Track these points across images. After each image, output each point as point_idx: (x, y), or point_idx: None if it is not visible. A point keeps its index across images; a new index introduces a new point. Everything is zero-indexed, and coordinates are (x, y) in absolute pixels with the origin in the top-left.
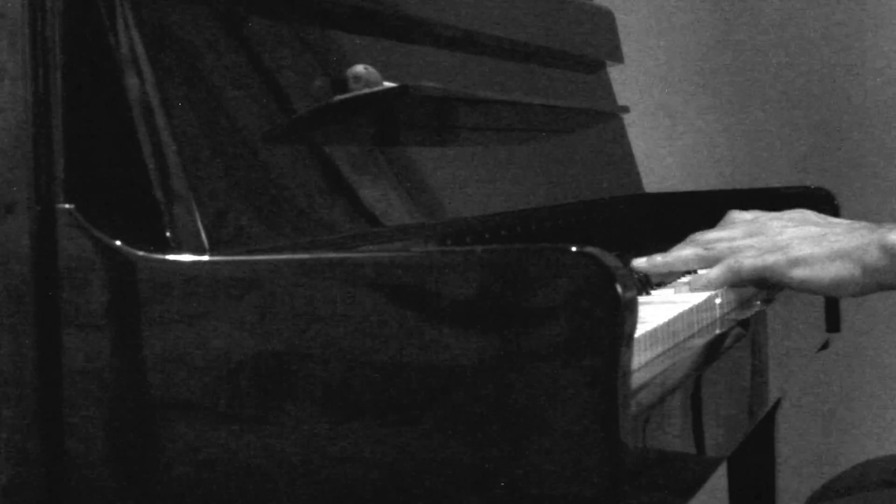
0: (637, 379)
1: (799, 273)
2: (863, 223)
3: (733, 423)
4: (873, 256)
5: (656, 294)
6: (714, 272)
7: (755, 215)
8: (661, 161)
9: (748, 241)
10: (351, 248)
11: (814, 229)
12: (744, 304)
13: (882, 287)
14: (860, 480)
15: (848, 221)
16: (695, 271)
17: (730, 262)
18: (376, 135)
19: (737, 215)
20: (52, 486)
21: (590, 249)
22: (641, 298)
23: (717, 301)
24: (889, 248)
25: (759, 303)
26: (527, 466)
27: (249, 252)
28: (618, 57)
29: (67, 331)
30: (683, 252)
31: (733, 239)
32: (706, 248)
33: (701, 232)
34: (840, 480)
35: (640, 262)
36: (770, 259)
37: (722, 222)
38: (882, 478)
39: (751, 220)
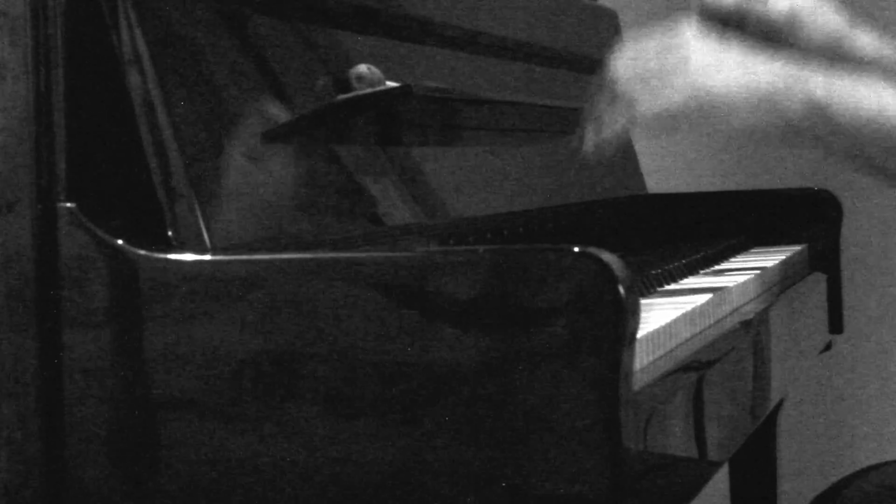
0: (638, 380)
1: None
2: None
3: (735, 425)
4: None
5: (657, 295)
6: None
7: None
8: (664, 162)
9: None
10: (353, 247)
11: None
12: (746, 304)
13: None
14: (863, 488)
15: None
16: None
17: None
18: (379, 134)
19: None
20: (53, 485)
21: (592, 250)
22: (643, 300)
23: (720, 302)
24: None
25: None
26: (528, 467)
27: (252, 251)
28: None
29: (68, 329)
30: None
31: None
32: None
33: None
34: (842, 486)
35: None
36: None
37: None
38: (885, 483)
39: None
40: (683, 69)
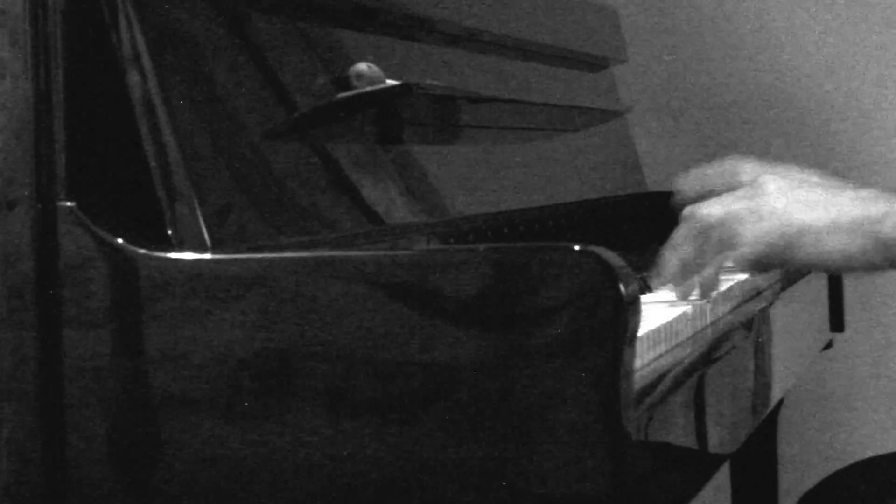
0: (640, 378)
1: (802, 252)
2: (871, 190)
3: (736, 424)
4: (888, 228)
5: (659, 293)
6: (708, 272)
7: (751, 175)
8: (665, 159)
9: (741, 208)
10: (353, 246)
11: (816, 194)
12: (747, 303)
13: (893, 263)
14: (852, 482)
15: (852, 186)
16: None
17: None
18: (379, 133)
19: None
20: (54, 485)
21: (593, 248)
22: (644, 297)
23: (721, 300)
24: None
25: (767, 295)
26: (530, 466)
27: (252, 250)
28: (622, 56)
29: (69, 329)
30: (678, 258)
31: (728, 212)
32: (702, 234)
33: (692, 208)
34: (832, 481)
35: (657, 281)
36: (767, 239)
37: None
38: (874, 477)
39: (747, 186)
40: (773, 212)
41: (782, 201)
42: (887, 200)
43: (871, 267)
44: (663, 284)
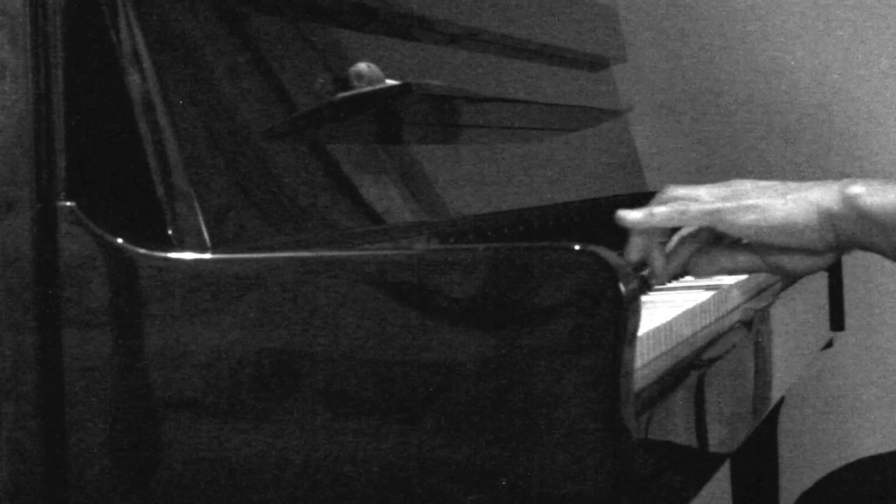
0: (640, 377)
1: (748, 218)
2: (834, 181)
3: (736, 423)
4: (832, 201)
5: (659, 293)
6: (660, 208)
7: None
8: (665, 159)
9: (715, 192)
10: (353, 246)
11: (779, 185)
12: (747, 302)
13: (842, 239)
14: (849, 482)
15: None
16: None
17: (680, 205)
18: (379, 133)
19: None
20: (54, 484)
21: (593, 248)
22: (644, 298)
23: (721, 300)
24: (849, 196)
25: (767, 297)
26: (529, 465)
27: (251, 250)
28: (621, 55)
29: (68, 329)
30: (659, 208)
31: (701, 195)
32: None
33: (673, 187)
34: (829, 480)
35: (623, 213)
36: (720, 205)
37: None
38: (871, 476)
39: (723, 185)
40: (752, 208)
41: (744, 188)
42: (838, 182)
43: (818, 240)
44: (632, 262)
